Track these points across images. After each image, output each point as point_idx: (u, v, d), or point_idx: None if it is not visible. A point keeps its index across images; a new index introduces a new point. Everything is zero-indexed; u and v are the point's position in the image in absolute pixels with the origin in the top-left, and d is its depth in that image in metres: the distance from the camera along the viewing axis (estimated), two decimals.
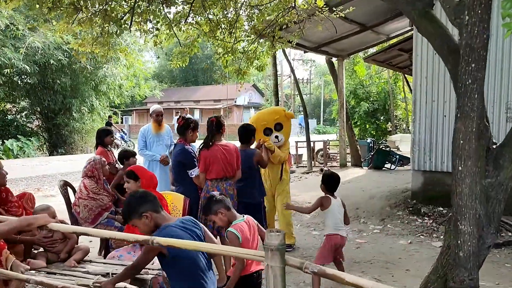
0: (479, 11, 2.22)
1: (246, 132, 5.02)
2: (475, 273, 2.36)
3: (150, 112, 6.56)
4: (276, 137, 5.63)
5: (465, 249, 2.35)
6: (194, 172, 4.51)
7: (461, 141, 2.31)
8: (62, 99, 20.11)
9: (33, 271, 3.20)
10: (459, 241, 2.36)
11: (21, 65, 16.82)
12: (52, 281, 2.58)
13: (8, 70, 16.73)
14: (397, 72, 18.27)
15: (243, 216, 3.25)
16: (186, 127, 4.74)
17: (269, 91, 36.69)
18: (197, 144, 4.92)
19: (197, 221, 2.88)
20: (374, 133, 20.92)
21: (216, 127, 4.55)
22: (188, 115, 6.43)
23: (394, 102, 21.49)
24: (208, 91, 42.79)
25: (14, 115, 21.59)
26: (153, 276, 3.12)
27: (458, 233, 2.36)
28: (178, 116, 6.07)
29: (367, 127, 20.94)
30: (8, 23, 15.99)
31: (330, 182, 4.29)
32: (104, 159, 4.83)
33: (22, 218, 2.69)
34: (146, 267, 3.17)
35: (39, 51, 17.19)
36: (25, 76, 19.50)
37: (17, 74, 18.80)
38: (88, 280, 2.94)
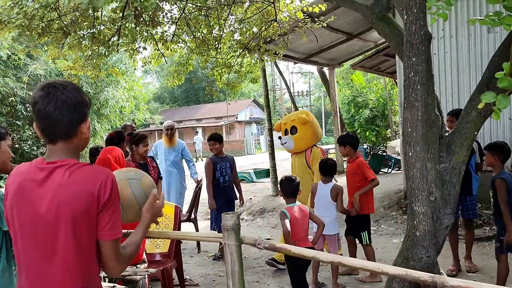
0: (415, 11, 2.45)
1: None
2: (432, 251, 2.54)
3: (163, 127, 6.89)
4: (281, 138, 5.58)
5: (421, 228, 2.53)
6: None
7: (409, 129, 2.51)
8: None
9: None
10: (415, 222, 2.55)
11: (24, 93, 17.24)
12: None
13: (12, 99, 17.15)
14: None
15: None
16: (118, 140, 4.64)
17: (270, 105, 36.80)
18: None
19: None
20: (375, 139, 21.06)
21: None
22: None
23: (392, 108, 21.63)
24: (209, 109, 43.08)
25: (19, 144, 21.91)
26: (142, 277, 3.32)
27: (414, 214, 2.55)
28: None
29: (367, 134, 21.07)
30: (10, 53, 16.48)
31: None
32: None
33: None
34: (134, 268, 3.39)
35: (41, 78, 17.63)
36: (28, 105, 19.89)
37: (20, 103, 19.21)
38: None
